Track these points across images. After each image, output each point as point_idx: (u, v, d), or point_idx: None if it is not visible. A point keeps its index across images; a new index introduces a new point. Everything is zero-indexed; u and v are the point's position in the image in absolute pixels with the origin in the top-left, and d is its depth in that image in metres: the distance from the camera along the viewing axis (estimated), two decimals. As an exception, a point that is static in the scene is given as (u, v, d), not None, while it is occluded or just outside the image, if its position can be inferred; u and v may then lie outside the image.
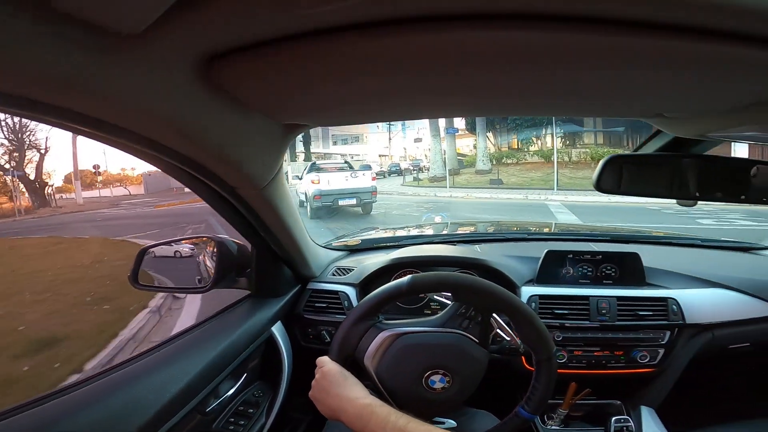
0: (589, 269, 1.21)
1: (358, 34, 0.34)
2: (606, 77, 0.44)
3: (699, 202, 0.77)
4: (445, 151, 16.24)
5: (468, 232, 1.77)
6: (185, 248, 1.08)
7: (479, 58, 0.38)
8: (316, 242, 1.29)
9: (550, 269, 1.21)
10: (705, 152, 0.78)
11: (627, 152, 0.79)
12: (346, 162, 10.56)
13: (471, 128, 16.80)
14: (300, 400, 1.02)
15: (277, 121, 0.62)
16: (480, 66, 0.40)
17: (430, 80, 0.44)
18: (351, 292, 1.16)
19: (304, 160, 24.44)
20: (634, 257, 1.19)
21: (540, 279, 1.20)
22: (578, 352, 1.10)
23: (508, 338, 0.77)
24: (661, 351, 1.10)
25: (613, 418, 0.95)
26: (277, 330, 1.04)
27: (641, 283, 1.18)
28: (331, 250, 1.37)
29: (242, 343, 0.88)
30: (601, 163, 0.77)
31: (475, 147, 17.56)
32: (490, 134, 15.92)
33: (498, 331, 0.77)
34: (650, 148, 0.81)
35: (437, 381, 0.71)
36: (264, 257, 1.00)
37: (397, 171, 21.76)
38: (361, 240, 1.46)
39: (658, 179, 0.77)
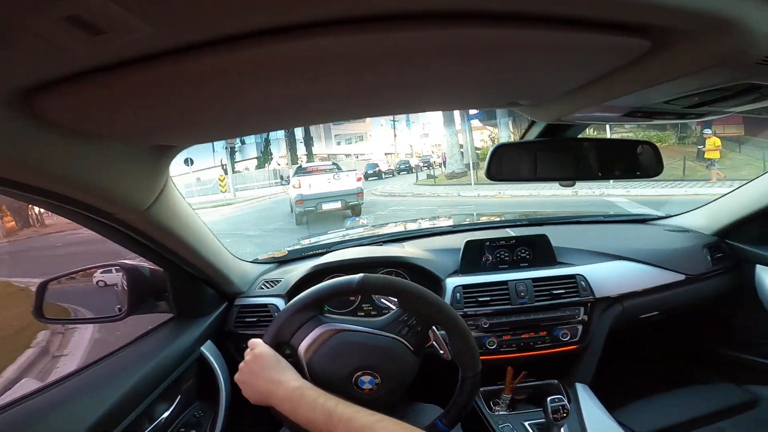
0: (506, 254, 1.29)
1: (197, 53, 0.34)
2: (454, 70, 0.45)
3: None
4: (462, 144, 14.64)
5: (394, 231, 1.82)
6: (108, 276, 1.06)
7: (336, 63, 0.39)
8: (241, 258, 1.29)
9: (471, 258, 1.28)
10: (578, 135, 0.90)
11: (511, 141, 0.88)
12: (334, 164, 10.34)
13: (488, 117, 14.76)
14: (248, 414, 1.04)
15: (139, 145, 0.62)
16: (336, 71, 0.41)
17: (286, 90, 0.45)
18: (280, 303, 1.17)
19: (307, 162, 23.38)
20: (544, 238, 1.30)
21: (463, 269, 1.26)
22: (507, 337, 1.16)
23: (441, 351, 0.79)
24: (580, 327, 1.18)
25: (549, 398, 0.99)
26: (209, 349, 1.04)
27: (553, 262, 1.28)
28: (259, 264, 1.37)
29: (168, 365, 0.87)
30: (489, 152, 0.85)
31: (492, 139, 16.01)
32: (510, 123, 13.47)
33: (434, 342, 0.79)
34: (531, 136, 0.91)
35: (366, 382, 0.72)
36: (179, 279, 1.00)
37: (407, 168, 20.73)
38: (288, 251, 1.46)
39: (540, 164, 0.87)
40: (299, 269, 1.26)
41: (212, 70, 0.37)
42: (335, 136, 28.36)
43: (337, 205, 8.17)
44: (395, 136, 27.23)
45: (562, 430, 0.99)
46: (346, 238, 1.69)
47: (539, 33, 0.35)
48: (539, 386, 1.20)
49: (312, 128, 25.03)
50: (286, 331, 0.74)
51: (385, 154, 28.04)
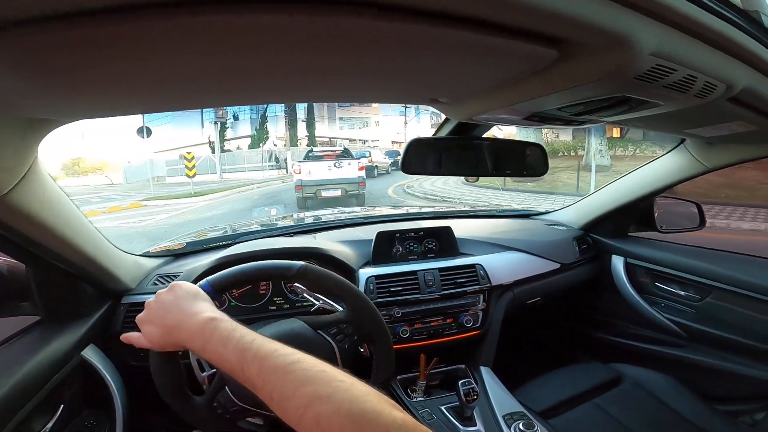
0: (415, 246, 1.37)
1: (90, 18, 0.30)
2: (379, 62, 0.45)
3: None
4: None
5: (304, 222, 1.78)
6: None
7: (247, 42, 0.37)
8: (128, 251, 1.16)
9: (383, 249, 1.33)
10: (483, 135, 0.99)
11: (425, 137, 0.94)
12: (345, 149, 9.76)
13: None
14: (151, 418, 1.00)
15: (5, 115, 0.53)
16: (245, 50, 0.39)
17: (192, 65, 0.42)
18: None
19: (308, 145, 20.09)
20: (448, 230, 1.40)
21: (375, 260, 1.30)
22: (418, 325, 1.22)
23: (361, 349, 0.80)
24: (481, 314, 1.30)
25: (460, 382, 1.06)
26: (93, 354, 0.93)
27: (456, 253, 1.39)
28: (151, 258, 1.24)
29: (41, 374, 0.77)
30: (403, 146, 0.89)
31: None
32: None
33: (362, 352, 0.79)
34: (443, 132, 0.98)
35: None
36: (45, 276, 0.87)
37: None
38: (187, 243, 1.33)
39: (446, 160, 0.94)
40: (201, 262, 1.16)
41: (108, 36, 0.32)
42: (339, 119, 25.61)
43: (337, 193, 8.12)
44: (405, 123, 24.39)
45: (474, 411, 1.08)
46: (253, 229, 1.60)
47: (462, 33, 0.37)
48: (449, 371, 1.28)
49: (315, 108, 22.11)
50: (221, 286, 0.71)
51: (392, 142, 24.87)
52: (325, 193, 8.09)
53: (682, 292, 1.43)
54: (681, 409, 1.23)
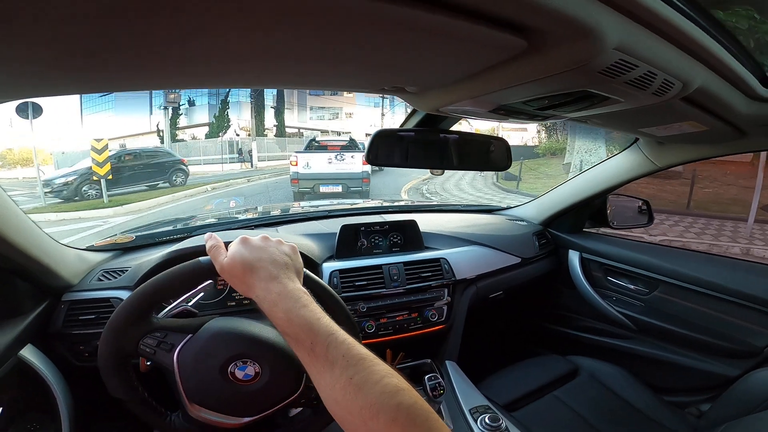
0: (380, 239, 1.35)
1: None
2: (343, 46, 0.44)
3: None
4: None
5: (267, 215, 1.72)
6: None
7: (198, 22, 0.34)
8: (69, 244, 1.07)
9: (347, 243, 1.31)
10: (450, 128, 0.99)
11: (391, 128, 0.93)
12: (351, 140, 8.70)
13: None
14: (102, 418, 0.95)
15: None
16: (195, 31, 0.36)
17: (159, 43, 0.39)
18: (126, 296, 0.98)
19: (276, 135, 18.42)
20: (413, 224, 1.40)
21: (339, 254, 1.27)
22: (383, 320, 1.21)
23: None
24: (445, 308, 1.30)
25: (426, 377, 1.06)
26: (31, 354, 0.86)
27: (421, 247, 1.39)
28: (95, 252, 1.15)
29: None
30: (369, 138, 0.88)
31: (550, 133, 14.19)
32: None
33: None
34: (411, 124, 0.96)
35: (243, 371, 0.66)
36: None
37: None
38: (136, 236, 1.24)
39: (412, 152, 0.93)
40: (151, 256, 1.09)
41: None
42: (310, 108, 23.24)
43: (337, 188, 7.35)
44: (383, 115, 22.80)
45: (441, 406, 1.08)
46: (209, 222, 1.52)
47: (429, 16, 0.36)
48: (415, 366, 1.28)
49: (285, 95, 19.96)
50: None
51: (366, 134, 22.19)
52: (324, 189, 7.36)
53: (632, 286, 1.50)
54: (633, 400, 1.29)
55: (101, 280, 1.03)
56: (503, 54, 0.48)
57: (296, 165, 7.41)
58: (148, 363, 0.70)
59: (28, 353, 0.85)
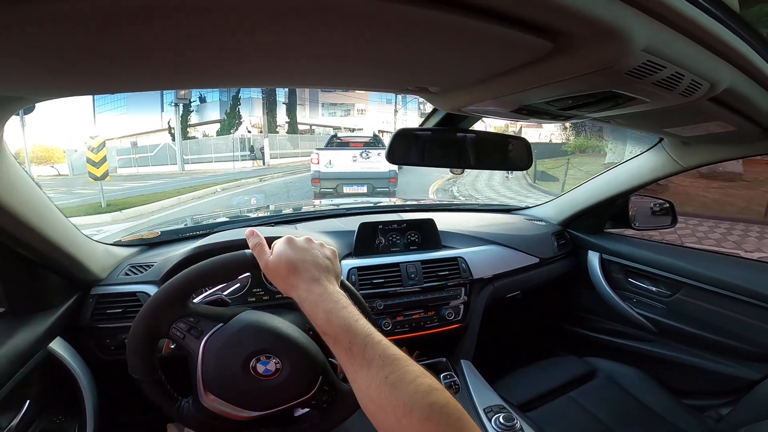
0: (398, 237, 1.36)
1: None
2: (370, 46, 0.44)
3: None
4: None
5: (287, 212, 1.74)
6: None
7: (229, 18, 0.35)
8: (99, 240, 1.11)
9: (365, 241, 1.32)
10: (469, 127, 0.99)
11: (412, 127, 0.93)
12: (375, 136, 8.14)
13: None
14: (125, 414, 0.97)
15: None
16: (230, 29, 0.37)
17: (186, 45, 0.40)
18: (153, 291, 1.02)
19: (288, 132, 18.11)
20: (431, 223, 1.40)
21: (357, 252, 1.29)
22: (400, 318, 1.22)
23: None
24: (462, 307, 1.30)
25: (441, 375, 1.07)
26: (61, 347, 0.89)
27: (438, 246, 1.39)
28: (122, 247, 1.18)
29: (3, 370, 0.73)
30: (391, 137, 0.88)
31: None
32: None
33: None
34: (430, 123, 0.97)
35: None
36: (8, 265, 0.82)
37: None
38: (162, 231, 1.29)
39: (431, 151, 0.94)
40: (177, 251, 1.11)
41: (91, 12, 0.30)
42: (322, 105, 23.04)
43: (362, 189, 6.83)
44: (396, 111, 22.40)
45: None
46: (232, 218, 1.55)
47: (458, 18, 0.37)
48: (430, 364, 1.27)
49: (297, 92, 20.00)
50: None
51: (379, 131, 22.09)
52: (347, 189, 6.83)
53: (654, 288, 1.47)
54: (651, 403, 1.27)
55: (128, 274, 1.06)
56: (528, 55, 0.47)
57: (317, 163, 6.83)
58: (173, 346, 0.72)
59: (57, 346, 0.88)
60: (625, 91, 0.55)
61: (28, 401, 0.80)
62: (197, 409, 0.68)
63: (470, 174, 11.45)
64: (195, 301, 0.75)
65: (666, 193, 6.63)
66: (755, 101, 0.68)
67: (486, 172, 9.90)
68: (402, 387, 0.43)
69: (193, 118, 18.94)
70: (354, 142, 7.56)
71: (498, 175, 11.69)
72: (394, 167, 6.69)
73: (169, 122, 16.86)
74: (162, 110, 17.10)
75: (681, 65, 0.49)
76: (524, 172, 9.54)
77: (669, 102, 0.61)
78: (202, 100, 18.98)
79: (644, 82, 0.51)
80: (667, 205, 1.56)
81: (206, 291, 0.78)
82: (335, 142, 7.80)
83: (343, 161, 6.80)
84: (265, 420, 0.70)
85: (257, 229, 0.75)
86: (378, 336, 0.49)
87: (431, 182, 10.33)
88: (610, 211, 1.61)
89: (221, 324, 0.68)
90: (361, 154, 6.83)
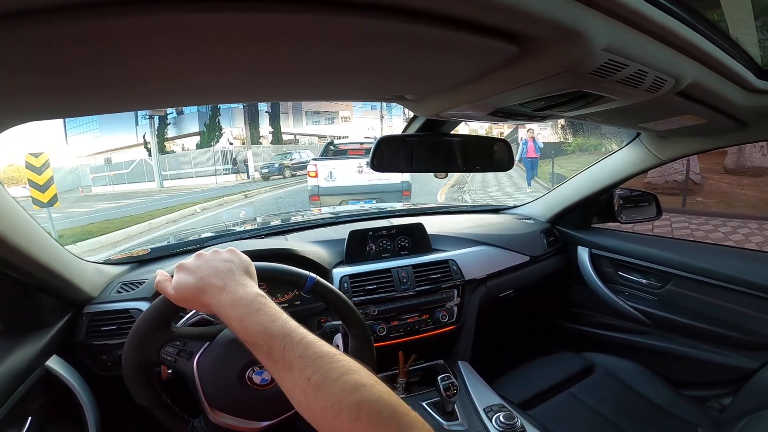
0: (388, 243, 1.38)
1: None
2: (344, 58, 0.46)
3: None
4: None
5: (275, 223, 1.75)
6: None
7: (211, 39, 0.36)
8: (88, 259, 1.11)
9: (356, 248, 1.34)
10: (450, 132, 1.01)
11: (394, 134, 0.95)
12: None
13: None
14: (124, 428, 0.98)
15: None
16: (210, 46, 0.38)
17: (166, 64, 0.41)
18: (145, 307, 1.01)
19: (272, 143, 17.22)
20: (420, 227, 1.42)
21: (348, 259, 1.30)
22: (394, 323, 1.23)
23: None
24: (456, 309, 1.31)
25: (439, 377, 1.08)
26: (57, 364, 0.90)
27: (428, 249, 1.41)
28: (112, 266, 1.18)
29: (3, 388, 0.75)
30: (373, 144, 0.90)
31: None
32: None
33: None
34: (412, 129, 0.99)
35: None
36: (2, 287, 0.83)
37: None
38: (151, 248, 1.29)
39: (416, 156, 0.96)
40: (168, 268, 1.11)
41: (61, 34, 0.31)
42: (306, 113, 22.08)
43: (371, 206, 5.82)
44: (382, 117, 21.76)
45: (455, 406, 1.09)
46: (222, 232, 1.56)
47: (421, 29, 0.38)
48: (428, 367, 1.29)
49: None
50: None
51: (365, 138, 22.69)
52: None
53: (644, 281, 1.50)
54: (652, 396, 1.28)
55: (120, 292, 1.07)
56: (496, 60, 0.49)
57: (315, 176, 5.76)
58: (170, 371, 0.73)
59: (54, 363, 0.89)
60: (593, 90, 0.58)
61: (30, 418, 0.80)
62: (209, 426, 0.69)
63: (475, 179, 11.41)
64: (178, 324, 0.76)
65: (702, 192, 6.31)
66: (722, 94, 0.71)
67: (489, 174, 9.84)
68: (326, 387, 0.40)
69: (171, 132, 18.01)
70: (354, 150, 6.53)
71: (502, 176, 11.54)
72: (407, 178, 5.90)
73: (144, 136, 16.05)
74: (137, 124, 16.37)
75: (643, 63, 0.51)
76: (536, 174, 9.59)
77: (637, 99, 0.64)
78: (179, 112, 17.79)
79: (609, 80, 0.53)
80: (651, 197, 1.59)
81: (189, 313, 0.79)
82: (331, 151, 6.76)
83: (346, 173, 5.74)
84: (277, 429, 0.71)
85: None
86: (299, 335, 0.46)
87: (434, 190, 10.06)
88: (596, 207, 1.64)
89: (208, 342, 0.70)
90: (367, 164, 6.02)
